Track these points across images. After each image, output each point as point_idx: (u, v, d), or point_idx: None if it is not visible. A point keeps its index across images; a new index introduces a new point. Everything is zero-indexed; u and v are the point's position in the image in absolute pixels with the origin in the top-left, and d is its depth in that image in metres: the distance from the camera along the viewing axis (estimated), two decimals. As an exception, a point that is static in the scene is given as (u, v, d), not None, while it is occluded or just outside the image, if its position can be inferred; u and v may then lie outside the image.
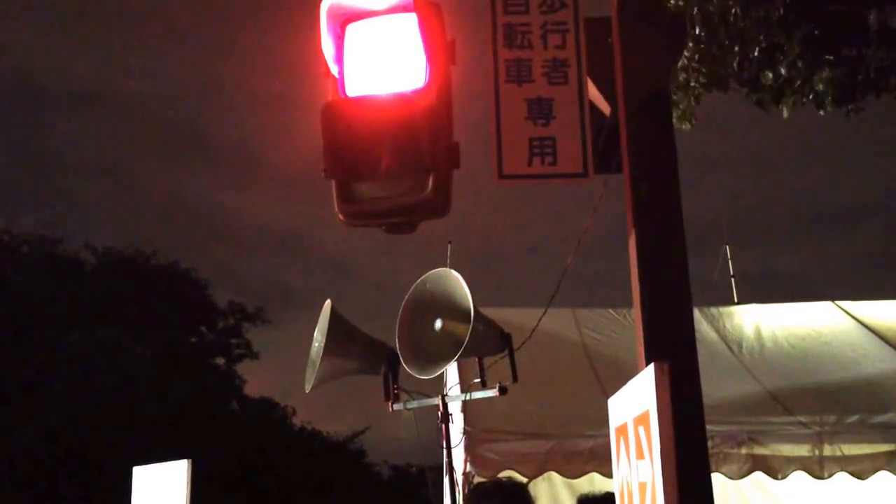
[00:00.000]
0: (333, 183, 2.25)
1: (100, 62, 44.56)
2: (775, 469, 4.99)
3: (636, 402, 2.43)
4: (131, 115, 42.13)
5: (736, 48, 5.13)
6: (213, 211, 45.24)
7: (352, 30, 2.38)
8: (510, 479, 3.73)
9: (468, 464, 4.93)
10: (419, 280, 3.92)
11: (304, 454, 22.69)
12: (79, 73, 43.41)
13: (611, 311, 7.13)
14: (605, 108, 3.19)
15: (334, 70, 2.37)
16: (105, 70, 44.93)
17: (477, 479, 4.80)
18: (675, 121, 4.33)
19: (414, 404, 4.21)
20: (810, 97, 5.24)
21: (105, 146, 41.28)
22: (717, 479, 4.92)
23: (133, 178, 41.55)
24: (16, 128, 36.52)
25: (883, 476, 4.99)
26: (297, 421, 24.89)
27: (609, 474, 3.18)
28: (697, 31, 5.09)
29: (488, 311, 4.06)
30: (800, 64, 5.01)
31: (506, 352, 4.07)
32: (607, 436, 2.90)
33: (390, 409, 4.25)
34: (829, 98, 5.14)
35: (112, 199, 39.29)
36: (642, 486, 2.38)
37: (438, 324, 3.84)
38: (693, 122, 5.37)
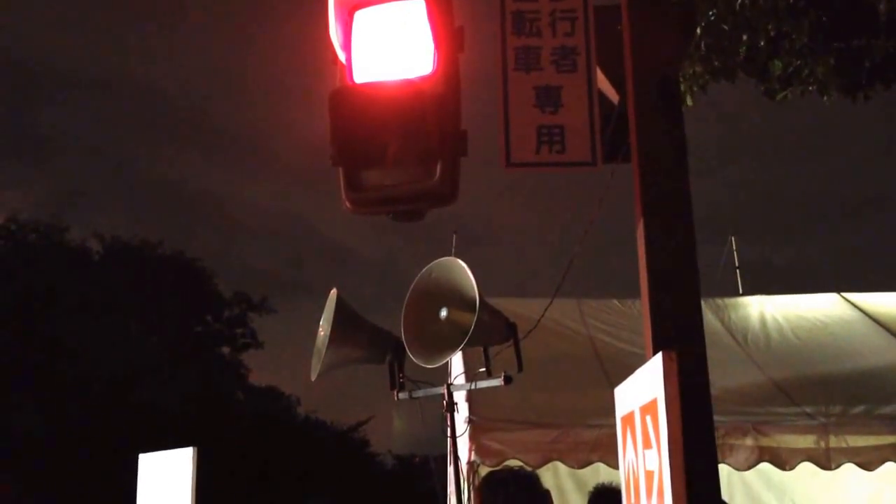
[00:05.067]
0: (340, 170, 2.24)
1: (107, 49, 44.50)
2: (782, 460, 4.98)
3: (643, 390, 2.43)
4: (135, 102, 42.13)
5: (744, 37, 5.09)
6: (219, 199, 45.30)
7: (360, 16, 2.37)
8: (522, 468, 3.73)
9: (473, 453, 4.94)
10: (425, 269, 3.92)
11: (309, 443, 22.77)
12: (86, 60, 43.41)
13: (616, 301, 7.13)
14: (614, 96, 3.18)
15: (342, 57, 2.36)
16: (112, 56, 44.91)
17: (482, 469, 4.81)
18: None
19: (419, 393, 4.22)
20: (815, 86, 5.20)
21: (106, 132, 41.32)
22: (724, 470, 4.91)
23: (135, 165, 41.57)
24: (16, 114, 36.51)
25: (890, 467, 4.98)
26: (301, 410, 25.02)
27: (614, 464, 3.19)
28: (706, 21, 5.06)
29: (494, 301, 4.06)
30: (806, 52, 4.97)
31: (511, 341, 4.07)
32: (613, 425, 2.90)
33: (395, 398, 4.25)
34: (833, 86, 5.11)
35: (114, 187, 39.35)
36: (649, 475, 2.38)
37: (444, 313, 3.85)
38: (692, 100, 5.33)
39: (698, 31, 4.91)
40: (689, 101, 5.27)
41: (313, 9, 2.39)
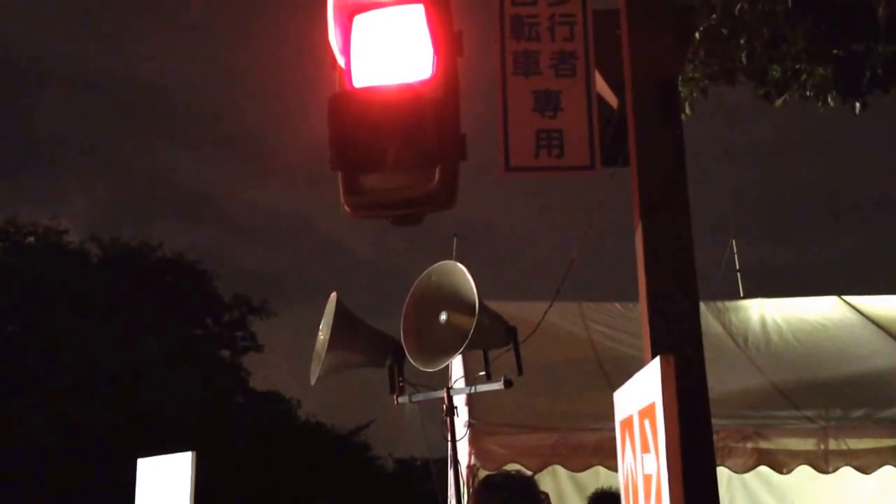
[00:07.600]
0: (339, 174, 2.25)
1: (105, 47, 44.53)
2: (780, 463, 4.98)
3: (642, 394, 2.43)
4: (133, 101, 42.12)
5: (742, 41, 5.11)
6: (218, 201, 45.33)
7: (359, 21, 2.37)
8: (519, 472, 3.74)
9: (473, 457, 4.94)
10: (425, 273, 3.93)
11: (309, 447, 22.75)
12: (82, 58, 43.44)
13: (616, 304, 7.12)
14: (613, 100, 3.18)
15: (341, 61, 2.36)
16: (110, 55, 44.90)
17: (482, 472, 4.81)
18: None
19: (419, 397, 4.22)
20: (812, 91, 5.22)
21: (103, 131, 41.34)
22: (722, 473, 4.91)
23: (134, 166, 41.55)
24: (13, 113, 36.54)
25: (887, 471, 4.99)
26: (301, 413, 25.00)
27: (614, 468, 3.19)
28: (704, 25, 5.08)
29: (493, 304, 4.06)
30: (804, 57, 4.99)
31: (511, 345, 4.07)
32: (612, 429, 2.90)
33: (395, 402, 4.26)
34: (832, 93, 5.13)
35: (112, 188, 39.40)
36: (647, 479, 2.38)
37: (443, 316, 3.85)
38: (692, 110, 5.34)
39: (697, 35, 4.92)
40: (688, 111, 5.29)
41: (314, 9, 2.39)
